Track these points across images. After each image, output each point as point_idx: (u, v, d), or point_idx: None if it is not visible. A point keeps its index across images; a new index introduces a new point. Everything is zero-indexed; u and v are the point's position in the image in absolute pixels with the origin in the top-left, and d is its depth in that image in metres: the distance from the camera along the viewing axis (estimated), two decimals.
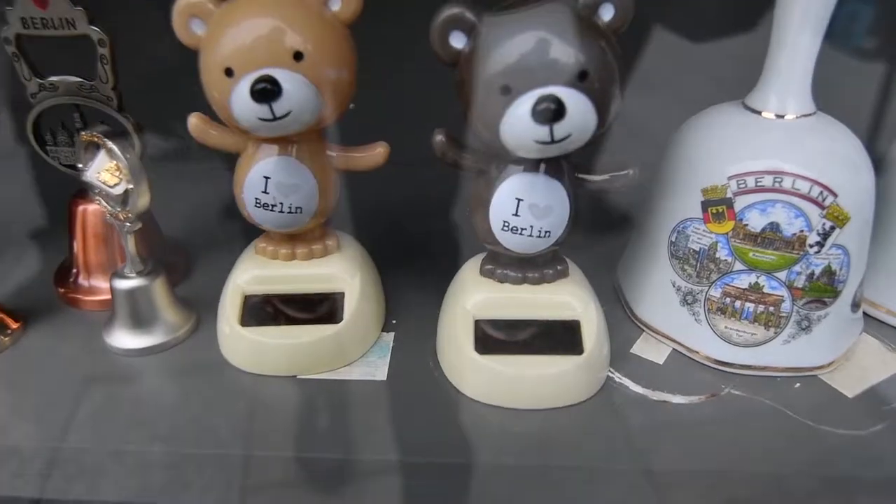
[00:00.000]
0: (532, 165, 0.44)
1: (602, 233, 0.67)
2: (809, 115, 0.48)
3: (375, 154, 0.49)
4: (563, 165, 0.45)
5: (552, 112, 0.38)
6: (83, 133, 0.47)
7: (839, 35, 0.64)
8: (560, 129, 0.39)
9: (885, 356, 0.52)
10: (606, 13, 0.40)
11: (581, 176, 0.46)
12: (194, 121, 0.48)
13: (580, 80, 0.38)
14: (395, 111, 0.62)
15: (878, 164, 0.55)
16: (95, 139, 0.47)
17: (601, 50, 0.39)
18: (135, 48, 0.53)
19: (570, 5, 0.40)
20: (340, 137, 0.50)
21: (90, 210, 0.55)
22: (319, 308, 0.50)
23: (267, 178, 0.46)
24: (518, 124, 0.40)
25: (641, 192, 0.54)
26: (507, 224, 0.45)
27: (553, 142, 0.39)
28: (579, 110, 0.39)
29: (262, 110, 0.42)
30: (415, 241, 0.67)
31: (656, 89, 0.69)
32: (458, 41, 0.42)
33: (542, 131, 0.39)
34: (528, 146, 0.41)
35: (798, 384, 0.49)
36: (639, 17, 0.40)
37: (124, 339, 0.51)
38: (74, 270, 0.57)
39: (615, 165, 0.46)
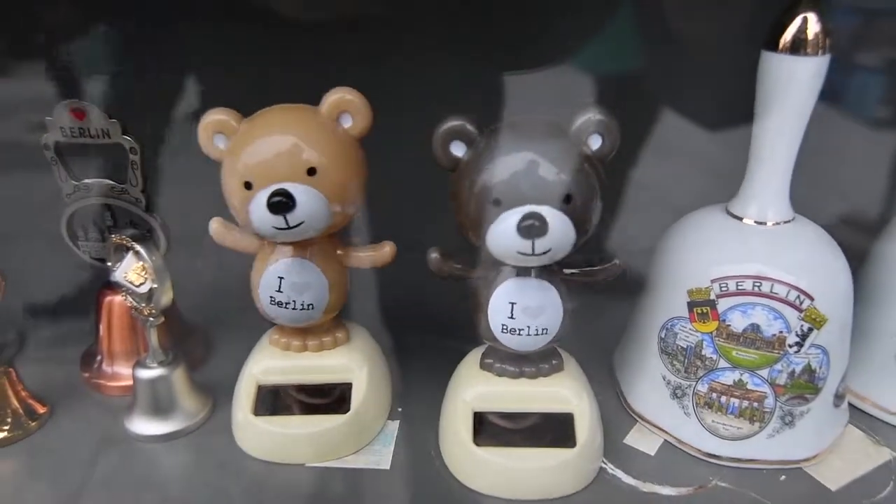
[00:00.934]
0: (523, 269, 0.47)
1: (601, 312, 0.69)
2: (788, 221, 0.51)
3: (383, 253, 0.52)
4: (553, 266, 0.48)
5: (536, 229, 0.41)
6: (114, 236, 0.51)
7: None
8: (541, 244, 0.42)
9: (868, 449, 0.54)
10: (595, 143, 0.44)
11: (569, 272, 0.49)
12: (215, 226, 0.51)
13: (565, 202, 0.42)
14: (406, 195, 0.66)
15: (864, 254, 0.58)
16: (125, 242, 0.51)
17: (586, 176, 0.43)
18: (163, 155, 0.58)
19: (563, 131, 0.44)
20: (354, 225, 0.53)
21: (116, 301, 0.59)
22: (329, 398, 0.53)
23: (281, 278, 0.50)
24: (503, 235, 0.43)
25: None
26: (505, 327, 0.48)
27: (534, 254, 0.43)
28: (561, 229, 0.42)
29: (277, 220, 0.45)
30: (423, 326, 0.69)
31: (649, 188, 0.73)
32: (458, 150, 0.46)
33: (525, 244, 0.42)
34: (512, 256, 0.44)
35: (783, 477, 0.51)
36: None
37: (144, 425, 0.54)
38: (99, 357, 0.60)
39: (601, 259, 0.49)
